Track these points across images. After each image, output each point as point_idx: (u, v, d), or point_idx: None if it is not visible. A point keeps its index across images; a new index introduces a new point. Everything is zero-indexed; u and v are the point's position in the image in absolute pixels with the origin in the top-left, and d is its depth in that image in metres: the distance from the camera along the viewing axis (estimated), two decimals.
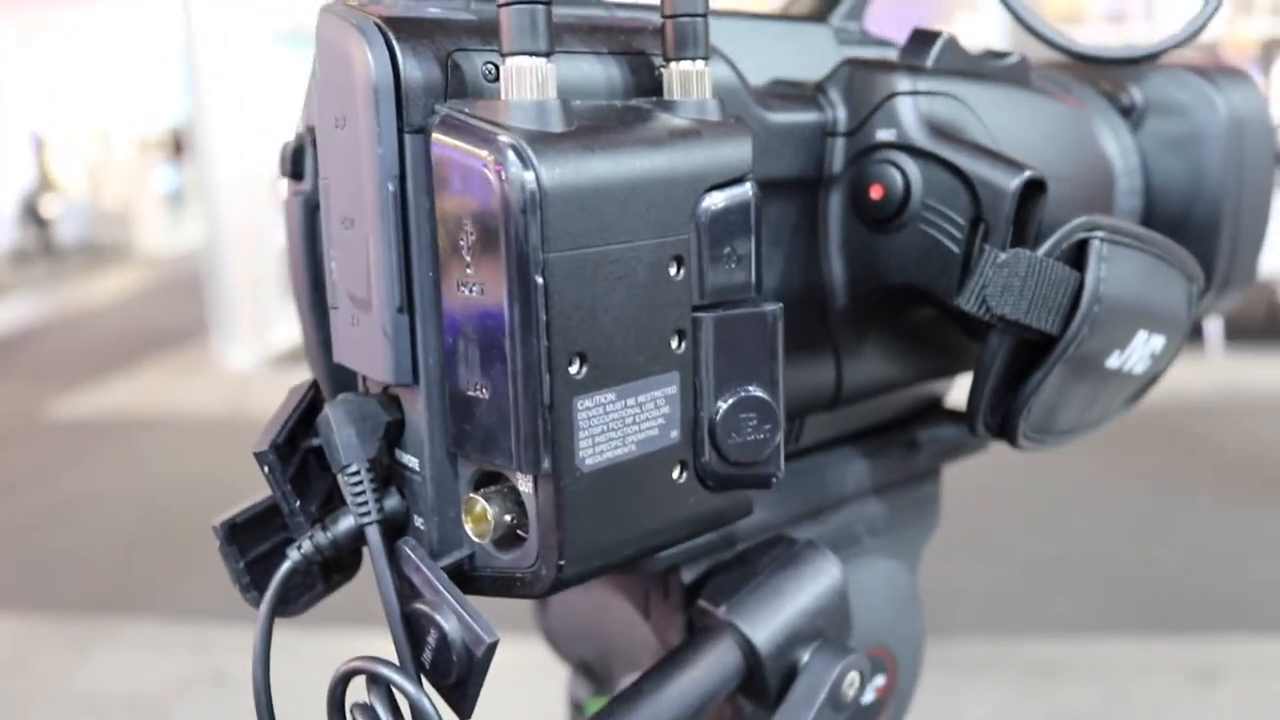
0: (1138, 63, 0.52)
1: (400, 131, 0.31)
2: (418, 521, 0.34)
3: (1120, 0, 8.60)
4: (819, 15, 0.52)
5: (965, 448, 0.56)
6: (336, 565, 0.39)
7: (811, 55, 0.48)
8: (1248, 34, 6.57)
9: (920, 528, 0.55)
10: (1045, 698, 2.47)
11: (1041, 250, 0.40)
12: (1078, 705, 2.44)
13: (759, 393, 0.35)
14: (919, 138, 0.41)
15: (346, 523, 0.35)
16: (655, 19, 0.39)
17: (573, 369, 0.31)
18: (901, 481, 0.53)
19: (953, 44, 0.47)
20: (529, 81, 0.31)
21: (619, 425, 0.32)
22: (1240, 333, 5.55)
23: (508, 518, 0.32)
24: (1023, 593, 3.02)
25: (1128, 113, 0.58)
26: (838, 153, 0.43)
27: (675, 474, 0.34)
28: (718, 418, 0.34)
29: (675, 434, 0.34)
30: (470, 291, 0.31)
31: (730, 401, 0.34)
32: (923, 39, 0.47)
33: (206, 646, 2.67)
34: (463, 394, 0.32)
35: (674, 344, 0.34)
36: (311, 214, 0.39)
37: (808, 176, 0.43)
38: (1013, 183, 0.39)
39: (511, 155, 0.29)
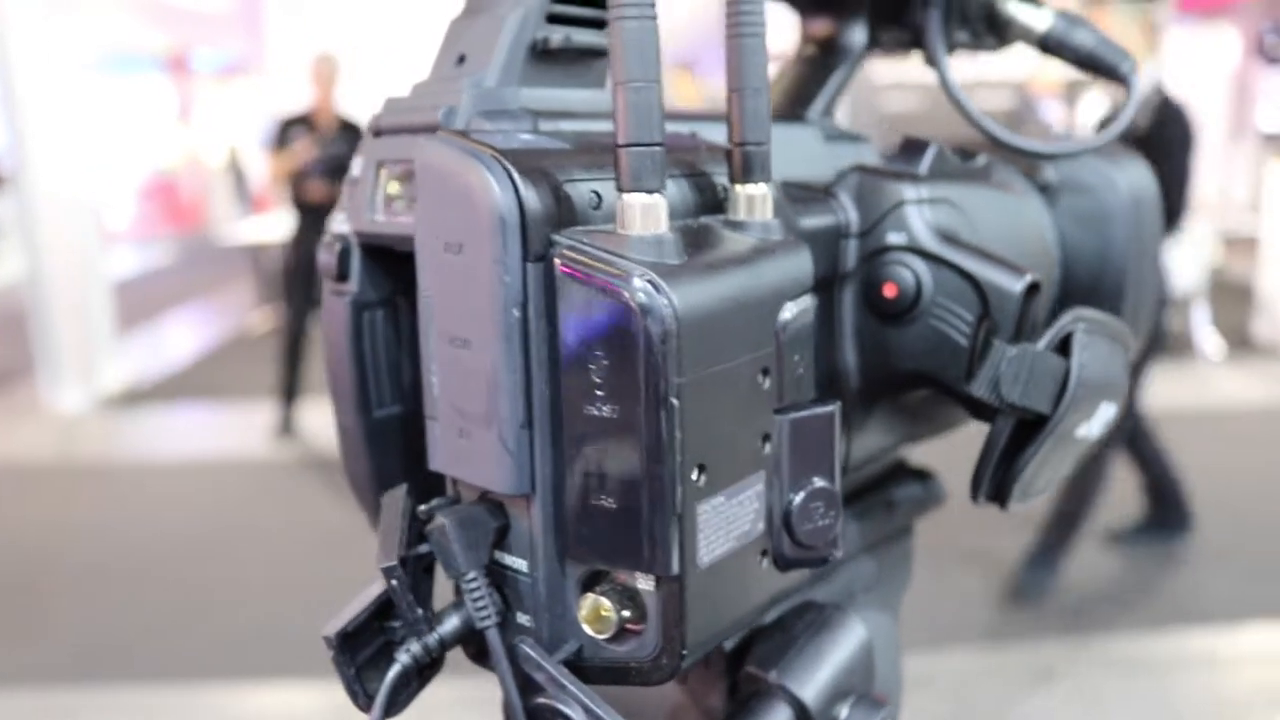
0: (1078, 155, 0.57)
1: (524, 260, 0.33)
2: (521, 619, 0.36)
3: None
4: (797, 115, 0.56)
5: (930, 504, 0.60)
6: (430, 662, 0.40)
7: (804, 154, 0.52)
8: (1054, 74, 7.03)
9: (900, 580, 0.60)
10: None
11: (1041, 344, 0.45)
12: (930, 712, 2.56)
13: (823, 483, 0.38)
14: (929, 243, 0.46)
15: (452, 624, 0.36)
16: (702, 139, 0.43)
17: (696, 478, 0.33)
18: (885, 540, 0.57)
19: (941, 152, 0.52)
20: (647, 216, 0.33)
21: (725, 524, 0.35)
22: None
23: (625, 613, 0.34)
24: None
25: (1044, 190, 0.63)
26: (850, 252, 0.47)
27: (760, 561, 0.38)
28: (793, 508, 0.37)
29: (761, 525, 0.37)
30: (601, 411, 0.32)
31: (803, 493, 0.37)
32: (914, 147, 0.51)
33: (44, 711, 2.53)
34: (585, 503, 0.33)
35: (762, 446, 0.37)
36: (358, 315, 0.40)
37: (826, 275, 0.47)
38: (1018, 286, 0.44)
39: (650, 290, 0.31)
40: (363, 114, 4.84)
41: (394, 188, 0.38)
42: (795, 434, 0.37)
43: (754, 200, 0.38)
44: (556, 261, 0.33)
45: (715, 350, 0.33)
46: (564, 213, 0.34)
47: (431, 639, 0.36)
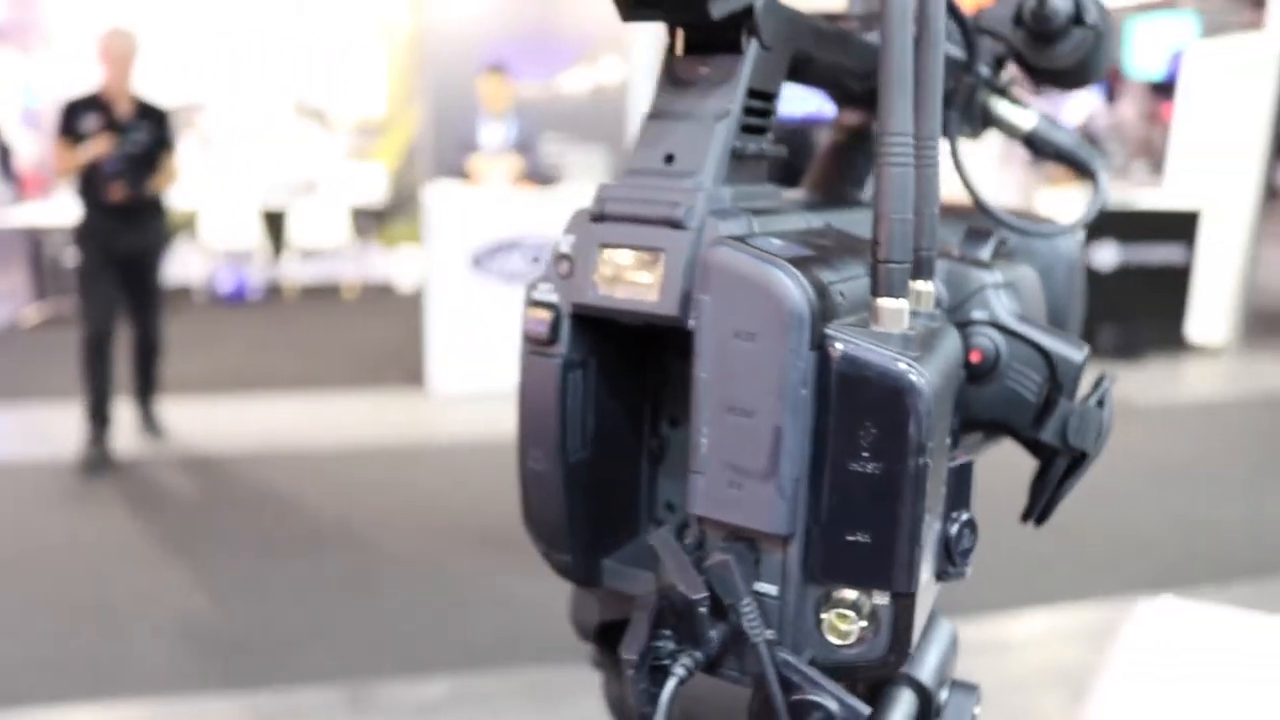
0: (1064, 233, 0.67)
1: (809, 349, 0.39)
2: (767, 633, 0.41)
3: None
4: (859, 200, 0.64)
5: None
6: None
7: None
8: None
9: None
10: None
11: (1093, 400, 0.55)
12: None
13: (969, 515, 0.45)
14: (1008, 320, 0.55)
15: (711, 641, 0.41)
16: (861, 233, 0.50)
17: (929, 517, 0.40)
18: None
19: (999, 241, 0.60)
20: (897, 316, 0.40)
21: (929, 550, 0.42)
22: None
23: (862, 624, 0.41)
24: None
25: (1011, 255, 0.73)
26: None
27: (933, 578, 0.44)
28: (951, 535, 0.44)
29: (936, 548, 0.44)
30: (864, 467, 0.39)
31: (957, 524, 0.44)
32: (978, 236, 0.60)
33: None
34: (842, 539, 0.40)
35: (942, 488, 0.43)
36: (565, 374, 0.45)
37: None
38: (1079, 357, 0.54)
39: (918, 376, 0.38)
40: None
41: (613, 269, 0.43)
42: (955, 478, 0.44)
43: (923, 295, 0.44)
44: (835, 350, 0.39)
45: (941, 418, 0.40)
46: (827, 310, 0.40)
47: (699, 654, 0.41)
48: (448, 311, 5.52)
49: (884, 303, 0.40)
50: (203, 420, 5.02)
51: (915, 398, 0.38)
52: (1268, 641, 1.82)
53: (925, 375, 0.38)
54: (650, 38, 5.67)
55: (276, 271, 8.58)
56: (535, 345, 0.46)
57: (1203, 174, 7.36)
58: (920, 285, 0.43)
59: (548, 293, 0.46)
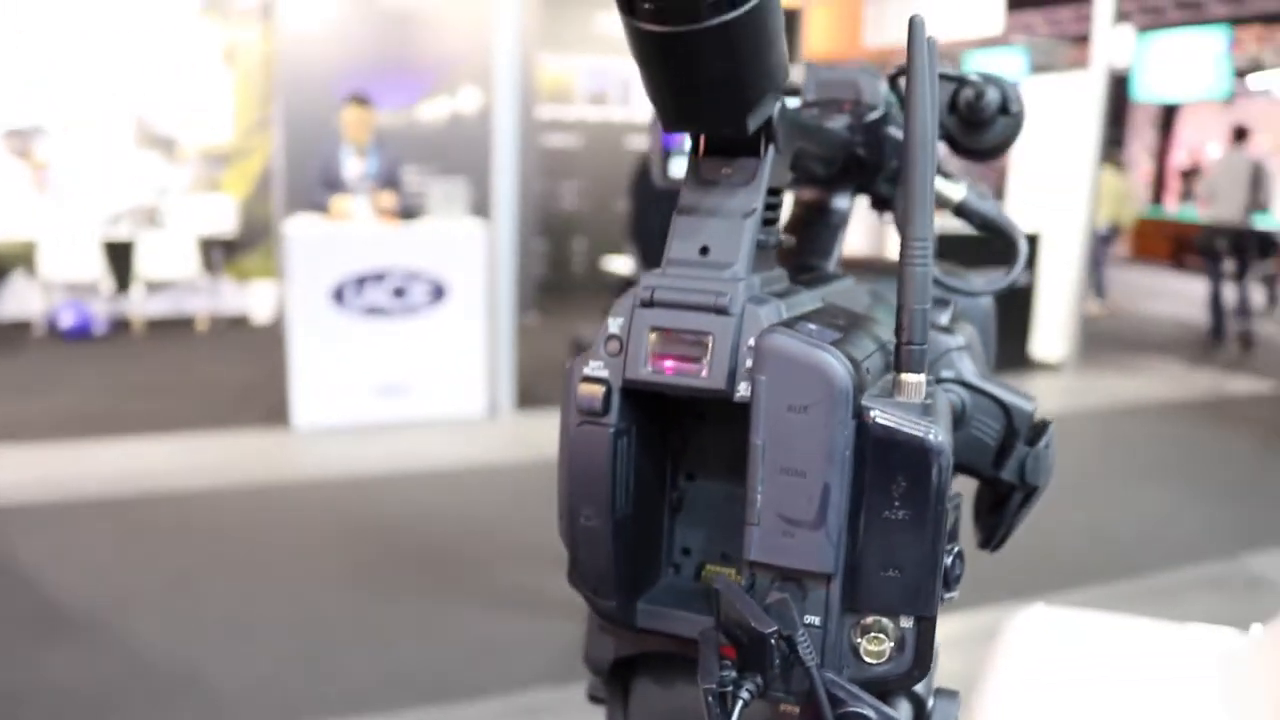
0: (996, 291, 0.73)
1: (851, 418, 0.45)
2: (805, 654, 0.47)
3: (601, 85, 9.52)
4: (834, 271, 0.70)
5: None
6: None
7: (860, 304, 0.66)
8: None
9: None
10: None
11: (1041, 444, 0.62)
12: None
13: (959, 546, 0.51)
14: (972, 379, 0.63)
15: (775, 667, 0.46)
16: (853, 307, 0.58)
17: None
18: None
19: (953, 306, 0.68)
20: (918, 389, 0.47)
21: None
22: None
23: (891, 645, 0.47)
24: None
25: (938, 304, 0.81)
26: None
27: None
28: (949, 564, 0.50)
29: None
30: (896, 514, 0.45)
31: (951, 555, 0.50)
32: (938, 304, 0.66)
33: None
34: (878, 575, 0.46)
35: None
36: (615, 441, 0.50)
37: None
38: (1031, 407, 0.62)
39: (942, 439, 0.45)
40: None
41: (665, 349, 0.49)
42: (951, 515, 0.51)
43: (914, 387, 0.49)
44: (872, 419, 0.45)
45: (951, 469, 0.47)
46: (861, 384, 0.46)
47: (759, 680, 0.45)
48: (310, 346, 5.41)
49: (907, 378, 0.47)
50: (47, 468, 4.79)
51: (937, 456, 0.45)
52: (1142, 644, 1.93)
53: (943, 437, 0.45)
54: (510, 70, 5.68)
55: (123, 305, 8.23)
56: (588, 416, 0.50)
57: (1039, 200, 7.78)
58: (910, 378, 0.48)
59: (599, 369, 0.50)
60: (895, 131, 0.68)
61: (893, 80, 0.67)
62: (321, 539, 4.04)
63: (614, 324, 0.50)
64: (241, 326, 8.32)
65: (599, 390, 0.50)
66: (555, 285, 9.50)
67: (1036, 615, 2.09)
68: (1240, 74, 14.71)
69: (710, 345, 0.48)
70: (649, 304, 0.49)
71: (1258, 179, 8.42)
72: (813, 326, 0.48)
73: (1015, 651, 1.95)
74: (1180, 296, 9.78)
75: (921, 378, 0.47)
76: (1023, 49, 13.00)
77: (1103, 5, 7.40)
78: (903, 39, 0.49)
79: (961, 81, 0.68)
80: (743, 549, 0.47)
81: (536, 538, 4.12)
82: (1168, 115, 17.21)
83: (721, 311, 0.48)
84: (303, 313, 5.40)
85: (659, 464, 0.54)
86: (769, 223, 0.52)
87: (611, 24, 9.31)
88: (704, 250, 0.50)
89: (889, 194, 0.71)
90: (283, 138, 7.95)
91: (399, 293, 5.54)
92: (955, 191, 0.71)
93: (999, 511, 0.63)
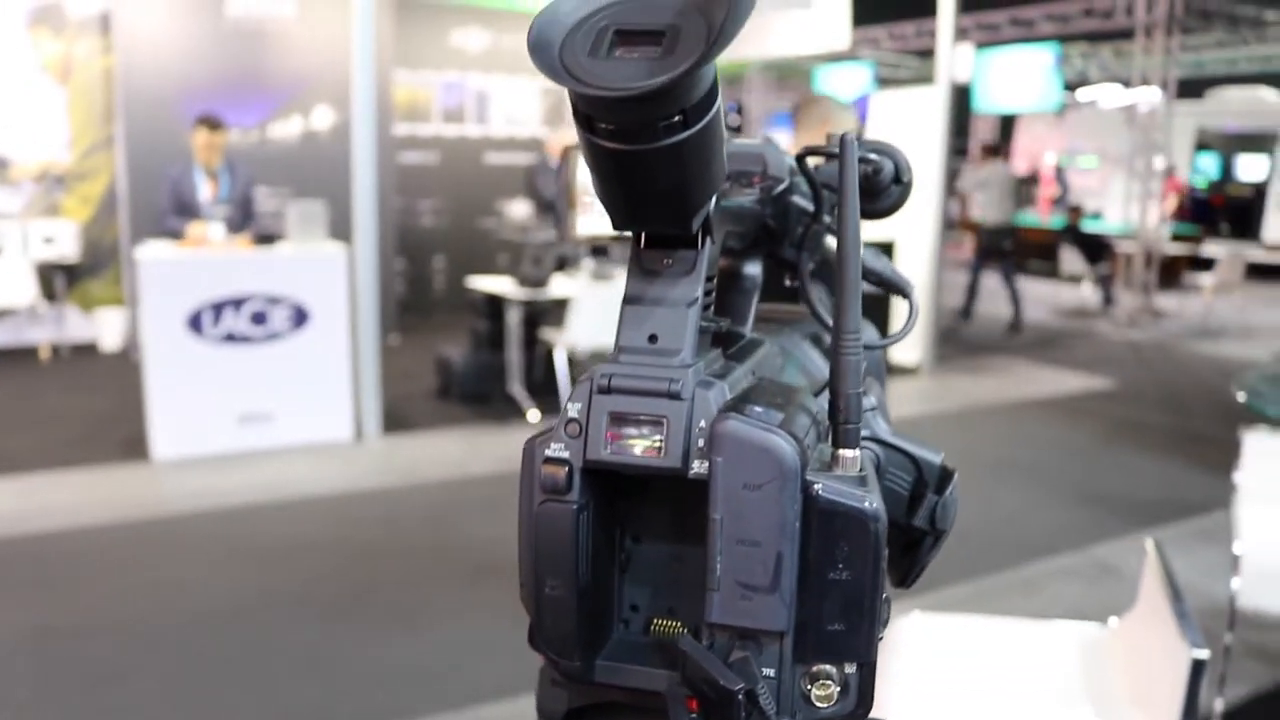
0: (893, 343, 0.76)
1: (799, 493, 0.50)
2: (765, 706, 0.51)
3: (458, 101, 9.46)
4: (752, 338, 0.73)
5: None
6: None
7: (778, 367, 0.72)
8: (566, 136, 7.58)
9: None
10: None
11: (948, 492, 0.67)
12: None
13: (887, 594, 0.55)
14: (887, 437, 0.68)
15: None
16: (780, 377, 0.64)
17: None
18: None
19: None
20: (854, 463, 0.52)
21: None
22: None
23: (837, 689, 0.52)
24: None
25: (828, 353, 0.86)
26: None
27: None
28: (879, 609, 0.54)
29: None
30: (840, 576, 0.50)
31: (885, 600, 0.54)
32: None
33: None
34: (823, 629, 0.51)
35: None
36: (577, 516, 0.53)
37: None
38: (938, 459, 0.67)
39: (879, 508, 0.50)
40: None
41: (623, 432, 0.53)
42: None
43: (850, 461, 0.54)
44: (817, 493, 0.50)
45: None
46: (805, 460, 0.51)
47: None
48: (167, 375, 5.23)
49: (844, 453, 0.53)
50: None
51: (875, 523, 0.50)
52: (1012, 642, 2.05)
53: (878, 504, 0.50)
54: (368, 87, 5.61)
55: None
56: (551, 494, 0.54)
57: None
58: (848, 453, 0.53)
59: (560, 451, 0.54)
60: (799, 200, 0.74)
61: (799, 159, 0.72)
62: (192, 577, 3.92)
63: (573, 408, 0.53)
64: (88, 355, 7.97)
65: (562, 471, 0.53)
66: (415, 305, 9.39)
67: (915, 623, 2.19)
68: (1069, 88, 15.56)
69: (665, 428, 0.52)
70: (606, 390, 0.53)
71: (1015, 188, 10.28)
72: (758, 409, 0.52)
73: (898, 659, 2.05)
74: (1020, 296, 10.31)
75: (857, 453, 0.52)
76: (870, 62, 13.46)
77: (945, 22, 7.75)
78: (748, 53, 0.53)
79: (861, 159, 0.73)
80: (703, 611, 0.52)
81: (415, 563, 4.09)
82: (1005, 126, 18.06)
83: (674, 397, 0.52)
84: (158, 341, 5.22)
85: (610, 530, 0.57)
86: (706, 307, 0.57)
87: (467, 39, 9.28)
88: (652, 338, 0.55)
89: (793, 258, 0.76)
90: (126, 158, 7.66)
91: (259, 318, 5.41)
92: None
93: (912, 554, 0.69)
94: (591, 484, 0.54)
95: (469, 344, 6.88)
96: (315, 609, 3.66)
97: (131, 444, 5.41)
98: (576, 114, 0.47)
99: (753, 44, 8.42)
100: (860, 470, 0.52)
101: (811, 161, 0.72)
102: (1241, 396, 2.38)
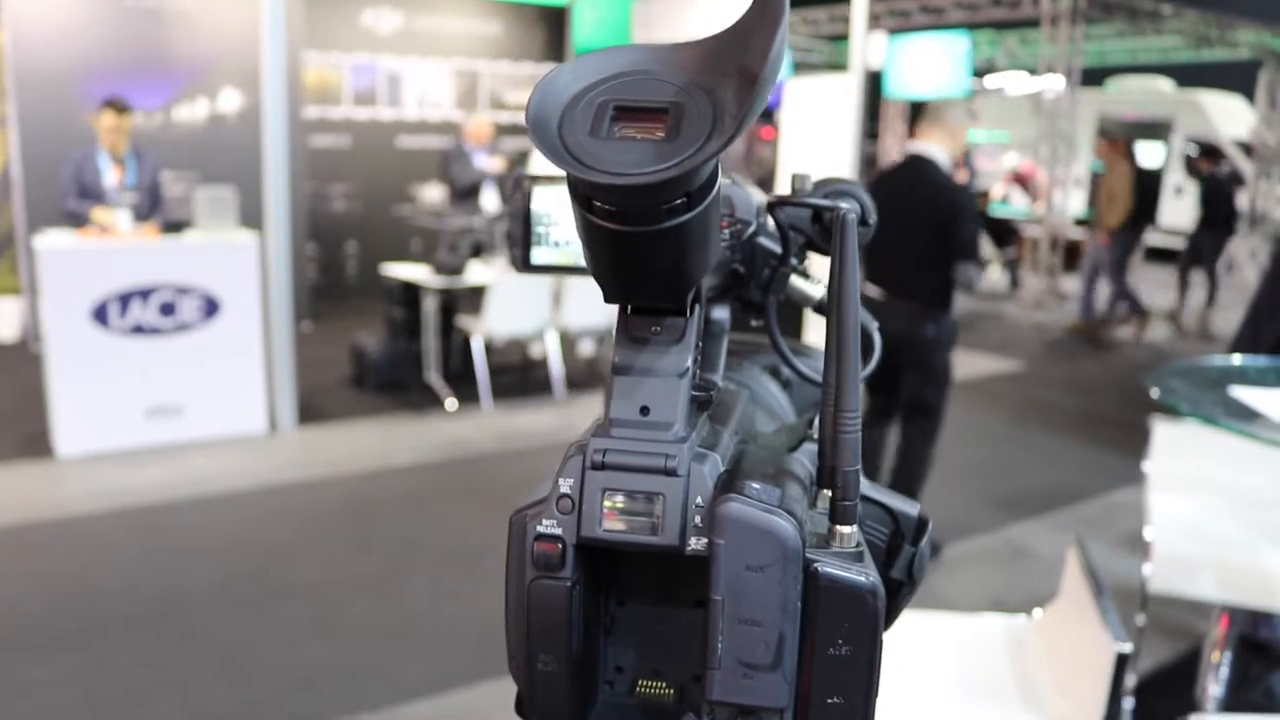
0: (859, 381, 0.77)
1: (801, 572, 0.49)
2: None
3: (370, 83, 9.28)
4: (715, 383, 0.72)
5: None
6: None
7: (753, 419, 0.72)
8: (482, 120, 7.49)
9: None
10: None
11: (923, 542, 0.67)
12: None
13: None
14: (865, 490, 0.66)
15: None
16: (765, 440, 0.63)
17: None
18: None
19: None
20: (851, 539, 0.52)
21: None
22: (505, 391, 6.38)
23: None
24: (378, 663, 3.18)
25: (787, 385, 0.86)
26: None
27: None
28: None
29: None
30: (840, 652, 0.50)
31: None
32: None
33: None
34: (822, 703, 0.51)
35: None
36: (570, 592, 0.52)
37: None
38: (915, 513, 0.66)
39: (878, 585, 0.50)
40: None
41: (616, 507, 0.52)
42: None
43: (848, 538, 0.54)
44: (818, 571, 0.50)
45: None
46: (804, 538, 0.50)
47: None
48: (71, 368, 5.06)
49: (842, 529, 0.52)
50: None
51: (874, 598, 0.50)
52: (942, 635, 2.08)
53: (877, 580, 0.50)
54: (278, 70, 5.47)
55: None
56: (544, 572, 0.53)
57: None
58: (846, 529, 0.53)
59: (553, 528, 0.53)
60: (766, 243, 0.73)
61: (771, 207, 0.72)
62: (101, 580, 3.80)
63: (564, 484, 0.52)
64: None
65: (555, 548, 0.52)
66: (328, 292, 9.21)
67: None
68: (978, 74, 15.85)
69: (662, 506, 0.51)
70: (600, 467, 0.52)
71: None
72: (756, 486, 0.51)
73: None
74: None
75: (854, 528, 0.52)
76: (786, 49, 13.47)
77: (859, 9, 7.82)
78: (672, 35, 0.51)
79: (823, 208, 0.74)
80: (705, 690, 0.51)
81: (334, 560, 4.02)
82: (915, 111, 18.33)
83: (670, 474, 0.51)
84: (61, 333, 5.04)
85: (596, 598, 0.56)
86: (694, 375, 0.56)
87: (378, 20, 9.11)
88: (644, 410, 0.54)
89: (759, 300, 0.76)
90: (19, 141, 7.36)
91: (167, 309, 5.25)
92: (815, 291, 0.77)
93: (890, 602, 0.68)
94: (583, 559, 0.53)
95: (384, 332, 6.78)
96: (231, 610, 3.58)
97: (33, 440, 5.23)
98: (573, 190, 0.46)
99: (667, 29, 8.41)
100: (857, 545, 0.52)
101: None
102: (1155, 393, 2.45)
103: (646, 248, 0.46)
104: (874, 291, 4.02)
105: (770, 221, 0.72)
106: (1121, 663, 1.67)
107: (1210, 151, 13.77)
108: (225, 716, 2.93)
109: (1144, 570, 2.61)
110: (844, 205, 0.72)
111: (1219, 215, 10.30)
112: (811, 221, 0.75)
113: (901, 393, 4.17)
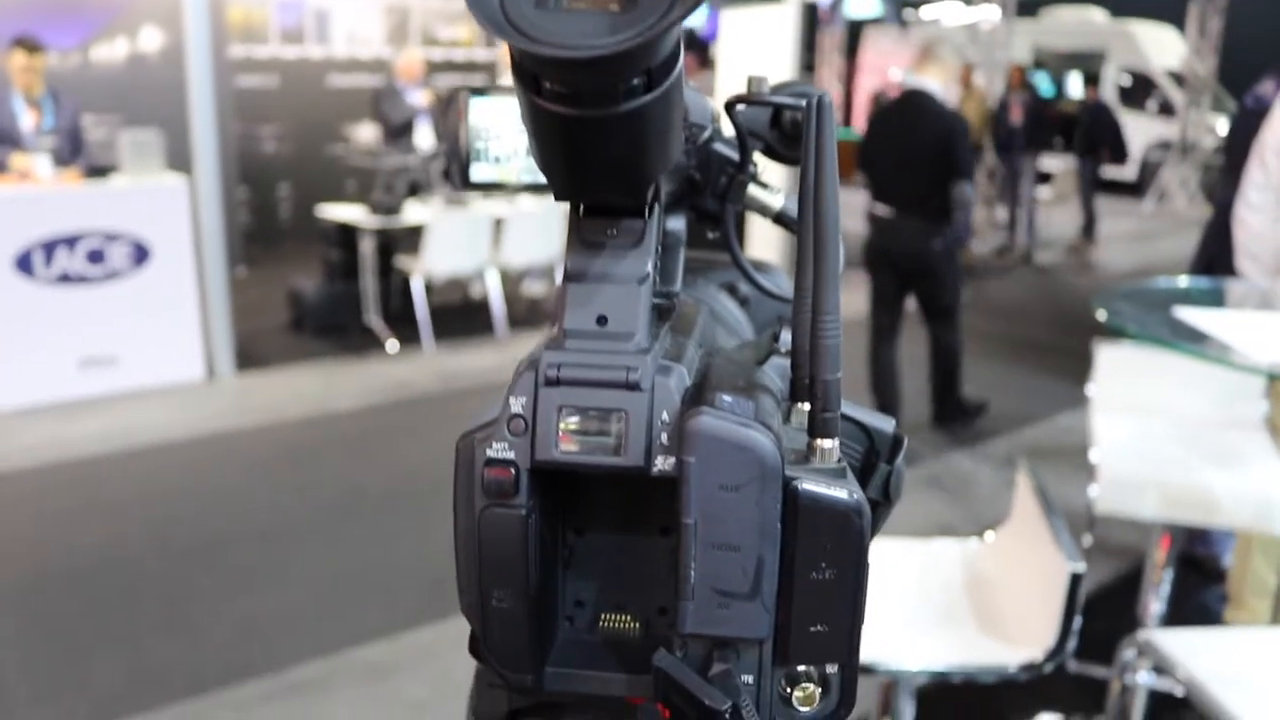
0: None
1: (781, 490, 0.46)
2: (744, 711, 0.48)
3: (297, 20, 9.01)
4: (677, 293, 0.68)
5: None
6: None
7: (712, 333, 0.67)
8: (414, 56, 7.32)
9: None
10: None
11: (898, 460, 0.63)
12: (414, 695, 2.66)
13: None
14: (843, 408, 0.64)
15: None
16: (731, 352, 0.59)
17: None
18: None
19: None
20: (833, 454, 0.48)
21: None
22: (446, 331, 6.31)
23: (818, 690, 0.49)
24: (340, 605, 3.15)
25: (745, 302, 0.82)
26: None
27: None
28: None
29: None
30: (824, 575, 0.46)
31: None
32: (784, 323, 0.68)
33: None
34: (805, 631, 0.47)
35: None
36: (525, 522, 0.48)
37: None
38: (890, 428, 0.62)
39: (862, 500, 0.46)
40: None
41: (573, 427, 0.47)
42: None
43: (829, 453, 0.50)
44: (798, 489, 0.46)
45: None
46: (783, 454, 0.47)
47: None
48: None
49: (822, 442, 0.49)
50: None
51: (859, 517, 0.47)
52: (901, 558, 2.09)
53: (861, 497, 0.47)
54: (201, 7, 5.28)
55: None
56: (496, 499, 0.48)
57: None
58: (826, 443, 0.49)
59: (504, 451, 0.48)
60: (722, 148, 0.69)
61: (728, 106, 0.67)
62: (38, 534, 3.71)
63: (516, 403, 0.48)
64: None
65: (508, 473, 0.48)
66: (261, 235, 9.00)
67: None
68: (913, 5, 15.80)
69: (624, 422, 0.47)
70: (555, 382, 0.47)
71: None
72: (728, 399, 0.48)
73: None
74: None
75: (835, 442, 0.48)
76: None
77: None
78: None
79: (786, 106, 0.69)
80: (677, 622, 0.48)
81: (278, 507, 3.96)
82: (852, 42, 18.25)
83: (633, 387, 0.47)
84: None
85: (554, 528, 0.53)
86: (655, 282, 0.52)
87: None
88: (601, 320, 0.49)
89: (715, 210, 0.71)
90: None
91: (95, 256, 5.09)
92: (775, 200, 0.73)
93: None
94: (539, 485, 0.49)
95: (321, 274, 6.66)
96: (174, 561, 3.52)
97: None
98: (518, 71, 0.40)
99: None
100: (839, 461, 0.48)
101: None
102: (1102, 315, 2.46)
103: (601, 134, 0.41)
104: (883, 210, 4.48)
105: (726, 127, 0.68)
106: (1075, 581, 1.69)
107: (1092, 80, 13.79)
108: (172, 670, 2.88)
109: (1090, 491, 2.64)
110: (798, 101, 0.68)
111: (1099, 144, 10.60)
112: (770, 126, 0.70)
113: (917, 302, 4.74)
